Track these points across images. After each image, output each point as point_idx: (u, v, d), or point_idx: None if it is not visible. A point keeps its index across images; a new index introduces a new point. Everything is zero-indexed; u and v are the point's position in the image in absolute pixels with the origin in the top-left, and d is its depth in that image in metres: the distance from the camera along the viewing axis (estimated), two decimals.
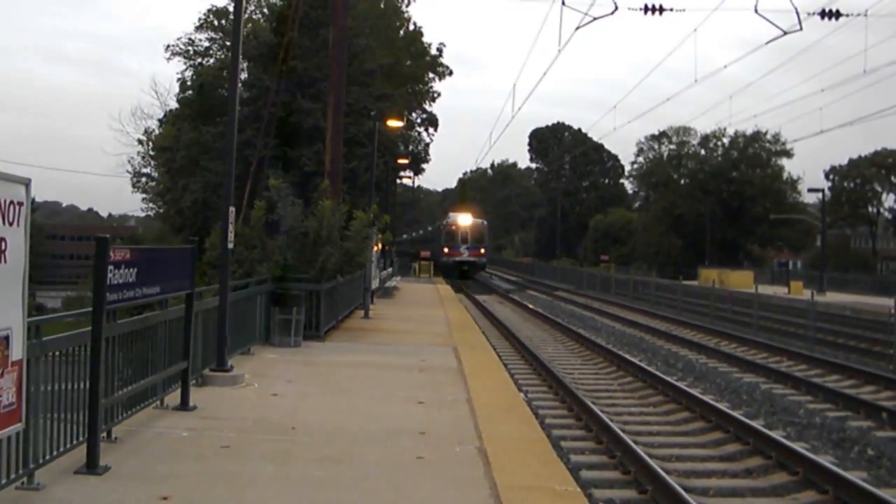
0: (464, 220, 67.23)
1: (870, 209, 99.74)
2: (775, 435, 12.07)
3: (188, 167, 44.30)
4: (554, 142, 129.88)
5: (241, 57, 13.79)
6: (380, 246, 29.08)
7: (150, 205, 60.59)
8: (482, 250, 67.11)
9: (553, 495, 7.39)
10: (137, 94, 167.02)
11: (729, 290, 40.73)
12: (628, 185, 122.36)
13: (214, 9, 48.82)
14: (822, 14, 20.43)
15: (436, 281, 55.44)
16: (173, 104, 52.31)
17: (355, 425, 9.76)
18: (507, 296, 49.92)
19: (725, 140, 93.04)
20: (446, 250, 65.73)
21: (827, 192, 76.13)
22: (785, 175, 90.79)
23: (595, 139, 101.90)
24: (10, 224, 5.99)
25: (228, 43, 42.67)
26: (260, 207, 18.47)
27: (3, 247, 5.89)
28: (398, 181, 67.33)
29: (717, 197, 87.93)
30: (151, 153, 55.89)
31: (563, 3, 19.44)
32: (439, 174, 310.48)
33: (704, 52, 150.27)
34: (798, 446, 11.46)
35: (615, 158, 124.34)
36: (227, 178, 12.93)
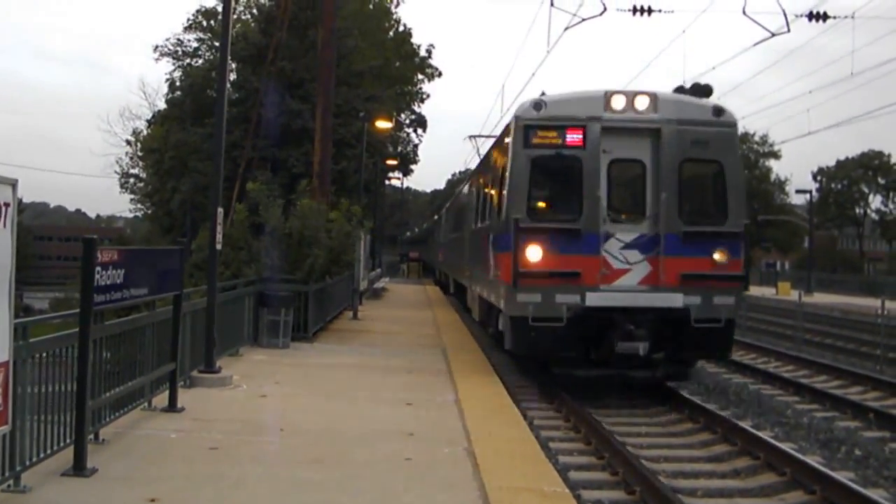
0: (638, 102, 14.50)
1: (857, 210, 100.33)
2: (763, 435, 12.09)
3: (176, 168, 44.25)
4: None
5: (229, 57, 13.76)
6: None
7: (139, 206, 60.64)
8: (726, 254, 14.28)
9: (542, 497, 7.39)
10: (126, 95, 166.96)
11: None
12: None
13: (203, 9, 48.83)
14: (810, 16, 20.47)
15: (424, 282, 55.32)
16: (161, 105, 52.26)
17: (344, 426, 9.75)
18: None
19: None
20: (533, 254, 14.09)
21: (814, 193, 76.44)
22: (773, 176, 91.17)
23: None
24: None
25: (217, 43, 42.59)
26: (241, 210, 18.47)
27: None
28: (387, 182, 66.81)
29: None
30: (139, 154, 55.82)
31: (552, 4, 19.40)
32: (428, 175, 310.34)
33: (693, 54, 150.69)
34: (786, 446, 11.49)
35: None
36: (215, 180, 12.91)
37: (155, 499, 6.75)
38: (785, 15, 18.79)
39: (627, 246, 14.37)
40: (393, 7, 55.78)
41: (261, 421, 9.93)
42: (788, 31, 18.92)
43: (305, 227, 18.72)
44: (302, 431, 9.42)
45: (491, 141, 22.94)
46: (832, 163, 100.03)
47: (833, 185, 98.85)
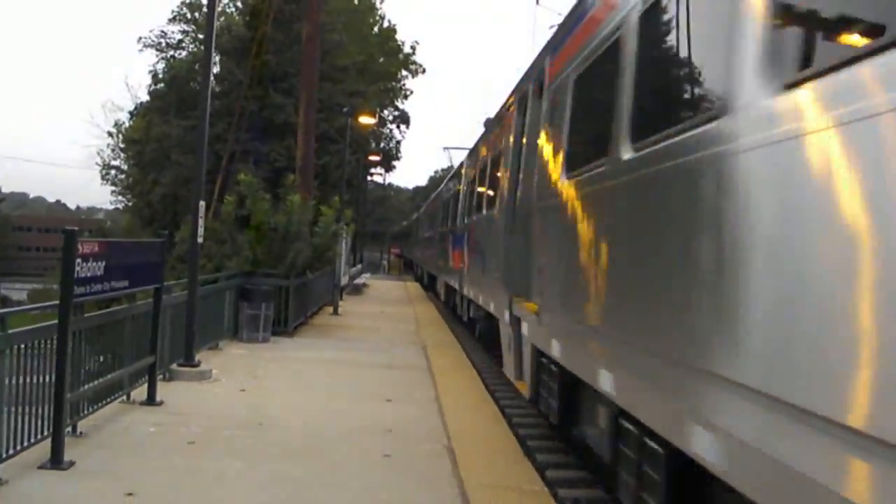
0: None
1: None
2: None
3: (158, 160, 44.04)
4: None
5: (213, 50, 13.72)
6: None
7: (120, 198, 60.29)
8: None
9: (520, 494, 7.43)
10: (109, 86, 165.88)
11: None
12: None
13: (188, 1, 48.60)
14: None
15: (405, 278, 55.35)
16: (144, 97, 52.00)
17: (323, 422, 9.75)
18: None
19: None
20: None
21: None
22: None
23: None
24: None
25: (201, 36, 42.42)
26: (230, 202, 18.38)
27: None
28: (369, 178, 66.60)
29: None
30: (121, 146, 55.55)
31: (537, 3, 19.45)
32: (411, 172, 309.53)
33: None
34: None
35: None
36: (198, 172, 12.87)
37: (132, 492, 6.72)
38: None
39: None
40: (378, 3, 55.72)
41: (240, 415, 9.90)
42: None
43: (291, 223, 18.67)
44: (281, 426, 9.41)
45: None
46: None
47: None
